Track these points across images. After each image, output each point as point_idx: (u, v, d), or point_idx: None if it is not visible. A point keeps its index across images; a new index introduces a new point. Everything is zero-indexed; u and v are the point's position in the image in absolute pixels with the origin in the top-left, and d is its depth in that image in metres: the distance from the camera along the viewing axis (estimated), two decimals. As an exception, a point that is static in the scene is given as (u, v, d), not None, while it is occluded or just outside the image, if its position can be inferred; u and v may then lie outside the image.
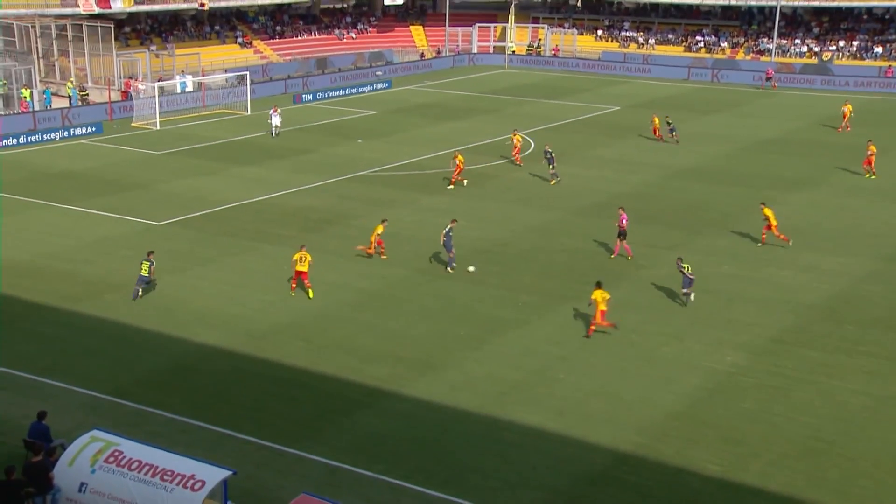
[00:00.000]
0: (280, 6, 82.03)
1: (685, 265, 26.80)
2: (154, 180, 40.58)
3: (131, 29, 69.58)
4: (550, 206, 36.81)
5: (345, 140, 49.21)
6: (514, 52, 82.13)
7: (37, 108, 52.91)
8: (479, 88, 67.71)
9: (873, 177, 40.99)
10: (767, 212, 31.54)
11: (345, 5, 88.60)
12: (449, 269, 29.27)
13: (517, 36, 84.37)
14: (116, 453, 16.01)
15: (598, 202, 37.46)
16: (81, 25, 58.80)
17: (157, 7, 68.61)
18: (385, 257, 30.16)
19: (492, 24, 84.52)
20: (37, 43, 59.37)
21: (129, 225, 34.11)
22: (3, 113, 51.36)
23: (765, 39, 77.82)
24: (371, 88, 66.65)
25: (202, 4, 69.49)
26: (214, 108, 57.92)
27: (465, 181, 39.62)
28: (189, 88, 60.72)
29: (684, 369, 23.06)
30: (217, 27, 75.81)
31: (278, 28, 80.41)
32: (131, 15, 68.01)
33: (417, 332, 25.12)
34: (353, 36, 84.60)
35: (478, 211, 35.57)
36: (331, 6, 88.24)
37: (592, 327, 24.64)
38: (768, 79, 69.31)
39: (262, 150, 46.63)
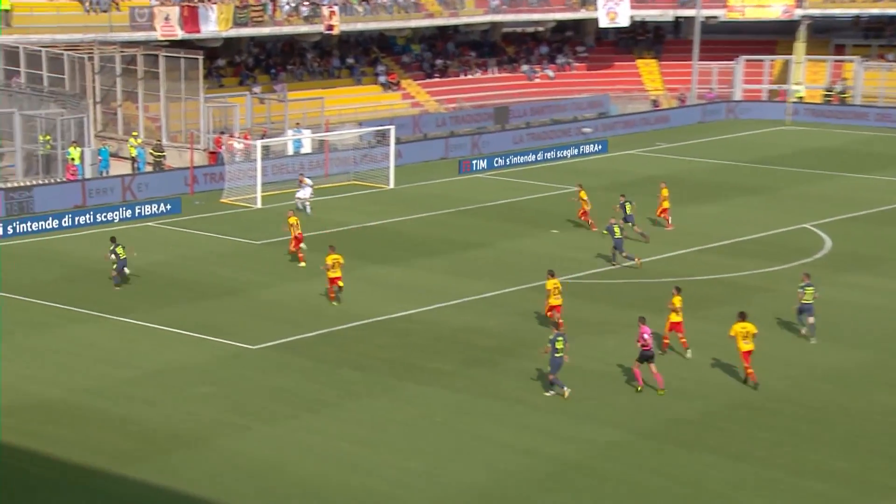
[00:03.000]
0: (443, 30, 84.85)
1: (807, 289, 35.80)
2: (249, 283, 42.16)
3: (227, 62, 73.62)
4: (859, 341, 35.90)
5: (532, 229, 49.87)
6: (801, 98, 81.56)
7: (88, 174, 56.42)
8: (744, 155, 67.44)
9: None
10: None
11: (540, 29, 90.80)
12: (549, 393, 31.57)
13: (808, 74, 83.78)
14: None
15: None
16: (157, 57, 62.56)
17: (265, 30, 72.45)
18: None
19: (767, 57, 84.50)
20: (94, 82, 63.63)
21: (210, 348, 35.38)
22: (40, 182, 54.98)
23: None
24: (576, 152, 67.73)
25: (330, 27, 72.81)
26: (341, 179, 60.01)
27: (301, 257, 43.82)
28: (306, 149, 63.22)
29: None
30: (350, 59, 78.98)
31: (438, 62, 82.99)
32: (228, 42, 71.97)
33: (638, 530, 24.75)
34: (551, 74, 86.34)
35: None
36: (518, 30, 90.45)
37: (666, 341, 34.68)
38: None
39: (408, 242, 47.82)
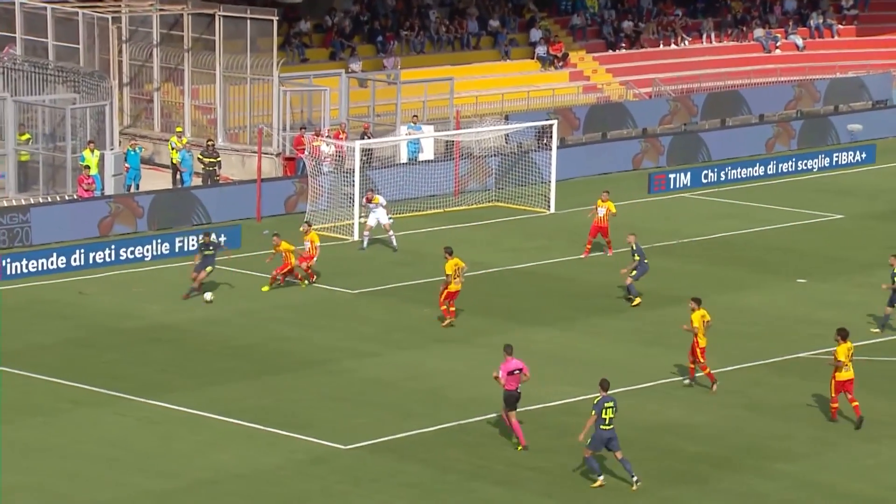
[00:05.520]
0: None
1: None
2: (340, 351, 42.70)
3: (313, 25, 74.29)
4: None
5: (767, 276, 50.05)
6: None
7: (109, 189, 57.20)
8: None
9: None
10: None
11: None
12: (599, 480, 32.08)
13: None
14: None
15: None
16: (213, 17, 63.07)
17: (369, -20, 73.04)
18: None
19: None
20: (121, 54, 64.38)
21: (283, 448, 35.48)
22: (41, 200, 55.89)
23: None
24: (827, 163, 67.65)
25: (466, -27, 73.19)
26: (478, 200, 60.67)
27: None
28: (426, 155, 63.76)
29: None
30: (494, 22, 78.87)
31: (626, 24, 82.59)
32: (313, -1, 72.74)
33: None
34: (800, 43, 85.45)
35: None
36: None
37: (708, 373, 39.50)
38: None
39: (576, 293, 48.11)
